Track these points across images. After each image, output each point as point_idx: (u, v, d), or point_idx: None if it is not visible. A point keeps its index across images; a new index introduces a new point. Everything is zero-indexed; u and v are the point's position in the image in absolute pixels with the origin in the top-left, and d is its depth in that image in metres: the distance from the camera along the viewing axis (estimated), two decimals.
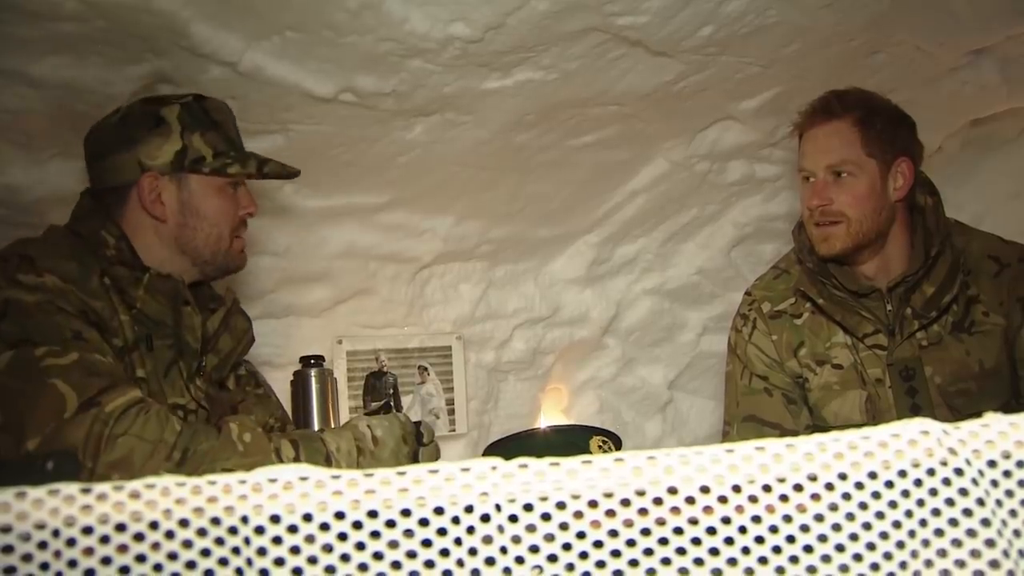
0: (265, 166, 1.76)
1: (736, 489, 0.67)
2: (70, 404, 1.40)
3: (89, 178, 1.75)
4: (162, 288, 1.65)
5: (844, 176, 1.90)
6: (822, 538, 0.68)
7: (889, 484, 0.69)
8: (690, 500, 0.67)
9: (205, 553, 0.63)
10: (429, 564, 0.64)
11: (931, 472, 0.69)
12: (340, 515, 0.63)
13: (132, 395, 1.45)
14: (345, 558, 0.63)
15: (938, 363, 1.91)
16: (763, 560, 0.67)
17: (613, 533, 0.66)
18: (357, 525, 0.63)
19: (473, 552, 0.64)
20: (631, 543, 0.66)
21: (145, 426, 1.43)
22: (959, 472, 0.68)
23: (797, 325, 2.03)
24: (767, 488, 0.67)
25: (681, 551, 0.66)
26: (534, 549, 0.64)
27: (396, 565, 0.64)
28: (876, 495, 0.68)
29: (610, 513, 0.66)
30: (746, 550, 0.67)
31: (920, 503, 0.68)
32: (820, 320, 2.01)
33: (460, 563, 0.63)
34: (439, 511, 0.64)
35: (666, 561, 0.66)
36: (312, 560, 0.63)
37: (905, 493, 0.68)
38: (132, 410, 1.43)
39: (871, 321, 1.94)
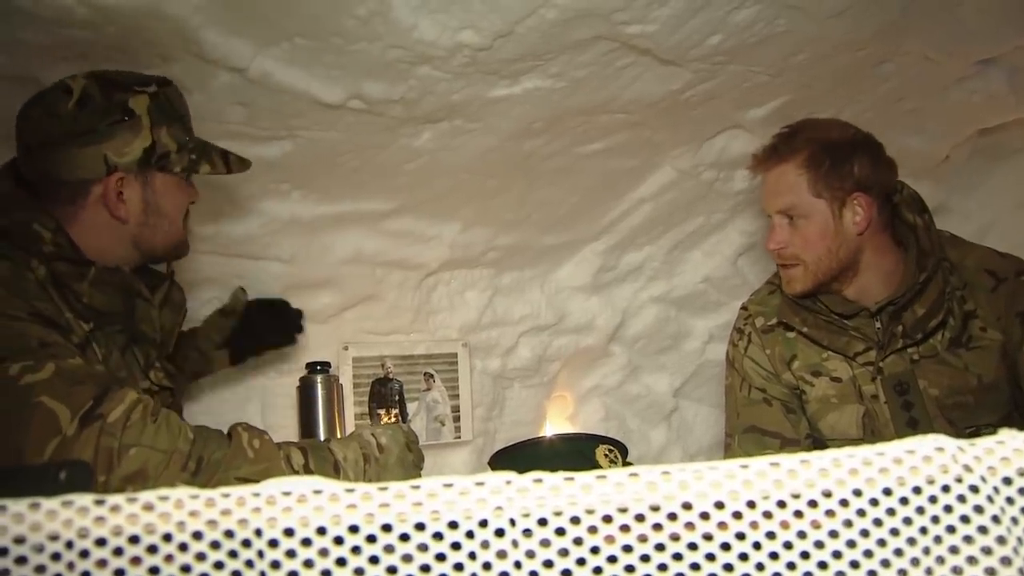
0: (229, 162, 1.70)
1: (751, 505, 0.67)
2: (64, 420, 1.34)
3: (27, 166, 1.59)
4: (110, 281, 1.57)
5: (796, 219, 1.91)
6: (836, 555, 0.68)
7: (904, 500, 0.68)
8: (705, 515, 0.66)
9: (219, 566, 0.63)
10: None
11: (946, 489, 0.68)
12: (354, 528, 0.63)
13: (129, 398, 1.39)
14: (359, 572, 0.63)
15: (933, 376, 1.90)
16: None
17: (627, 548, 0.66)
18: (371, 538, 0.63)
19: (487, 566, 0.63)
20: (645, 558, 0.66)
21: (156, 436, 1.38)
22: (974, 489, 0.68)
23: (789, 339, 2.04)
24: (782, 504, 0.67)
25: (695, 567, 0.66)
26: (548, 564, 0.64)
27: None
28: (891, 511, 0.68)
29: (624, 528, 0.66)
30: (760, 566, 0.67)
31: (935, 520, 0.68)
32: (810, 342, 2.01)
33: None
34: (453, 525, 0.64)
35: None
36: (326, 574, 0.63)
37: (920, 510, 0.68)
38: (136, 415, 1.38)
39: (861, 340, 1.93)
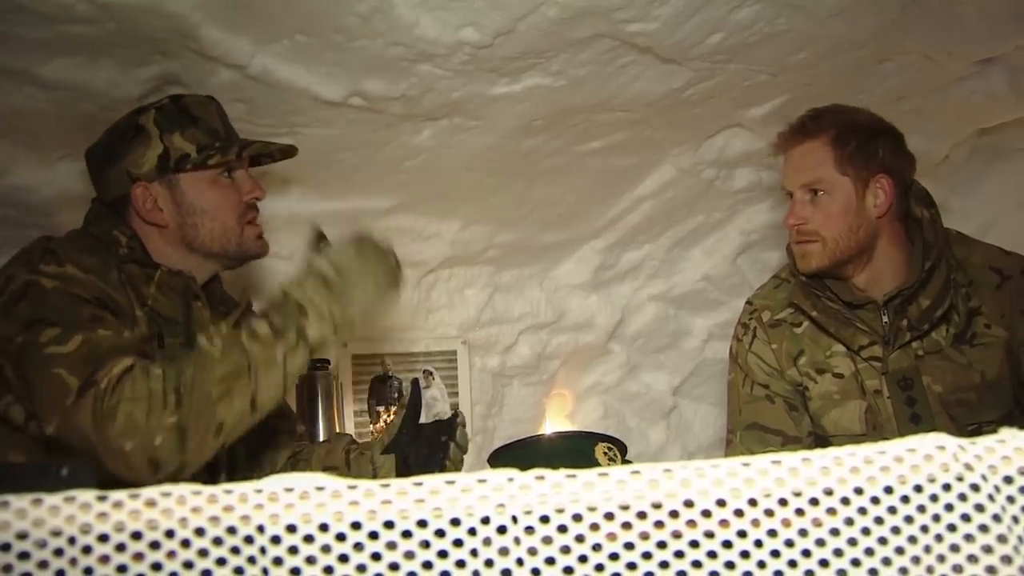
0: (246, 149, 1.75)
1: (752, 502, 0.67)
2: (72, 391, 1.41)
3: (95, 192, 1.79)
4: (173, 284, 1.68)
5: (820, 195, 1.91)
6: (838, 552, 0.68)
7: (905, 499, 0.69)
8: (706, 513, 0.66)
9: (221, 562, 0.63)
10: (445, 575, 0.64)
11: (947, 487, 0.69)
12: (356, 525, 0.63)
13: (123, 363, 1.42)
14: (361, 569, 0.63)
15: (937, 372, 1.90)
16: (779, 574, 0.67)
17: (629, 546, 0.66)
18: (373, 536, 0.63)
19: (489, 563, 0.64)
20: (647, 556, 0.66)
21: (134, 385, 1.39)
22: (975, 488, 0.68)
23: (797, 334, 2.03)
24: (783, 502, 0.67)
25: (697, 564, 0.66)
26: (550, 561, 0.64)
27: None
28: (892, 509, 0.68)
29: (626, 526, 0.66)
30: (762, 564, 0.67)
31: (936, 518, 0.68)
32: (819, 330, 2.01)
33: (476, 575, 0.63)
34: (455, 522, 0.64)
35: (682, 575, 0.66)
36: (328, 570, 0.63)
37: (921, 508, 0.68)
38: (125, 377, 1.40)
39: (867, 333, 1.93)
